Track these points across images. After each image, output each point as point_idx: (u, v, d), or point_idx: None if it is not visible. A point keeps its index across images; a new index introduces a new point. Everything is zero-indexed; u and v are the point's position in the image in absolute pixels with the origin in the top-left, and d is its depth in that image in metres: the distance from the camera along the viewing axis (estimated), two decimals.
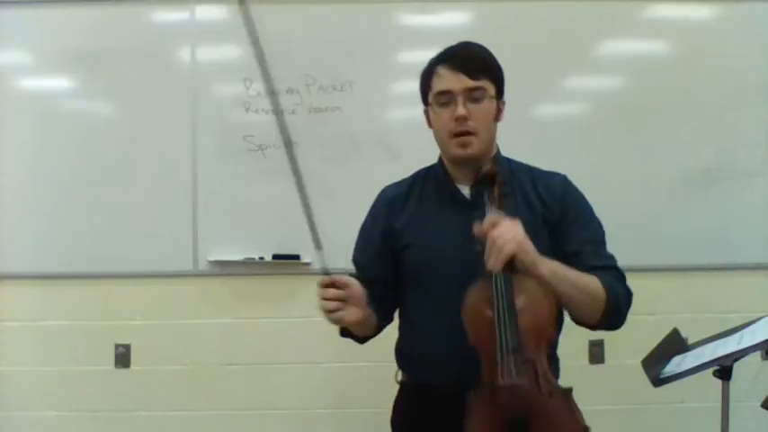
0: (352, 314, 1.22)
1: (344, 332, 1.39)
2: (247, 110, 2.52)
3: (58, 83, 2.55)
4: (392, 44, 2.52)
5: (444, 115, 1.30)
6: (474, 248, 1.20)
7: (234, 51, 2.55)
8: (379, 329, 1.41)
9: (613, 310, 1.23)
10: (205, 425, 2.55)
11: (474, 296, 1.18)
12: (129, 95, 2.52)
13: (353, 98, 2.52)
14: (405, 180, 1.47)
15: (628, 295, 1.28)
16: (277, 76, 2.70)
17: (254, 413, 2.56)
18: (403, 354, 1.41)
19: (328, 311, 1.21)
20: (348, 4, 2.51)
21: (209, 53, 2.53)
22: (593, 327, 1.25)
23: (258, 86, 2.52)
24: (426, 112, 1.39)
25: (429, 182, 1.43)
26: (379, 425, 2.49)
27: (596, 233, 1.34)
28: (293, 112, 2.51)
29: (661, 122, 2.50)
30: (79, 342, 2.54)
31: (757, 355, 2.33)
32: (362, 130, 2.51)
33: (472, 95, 1.29)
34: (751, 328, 1.65)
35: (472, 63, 1.30)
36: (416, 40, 2.45)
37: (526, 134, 2.21)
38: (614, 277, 1.27)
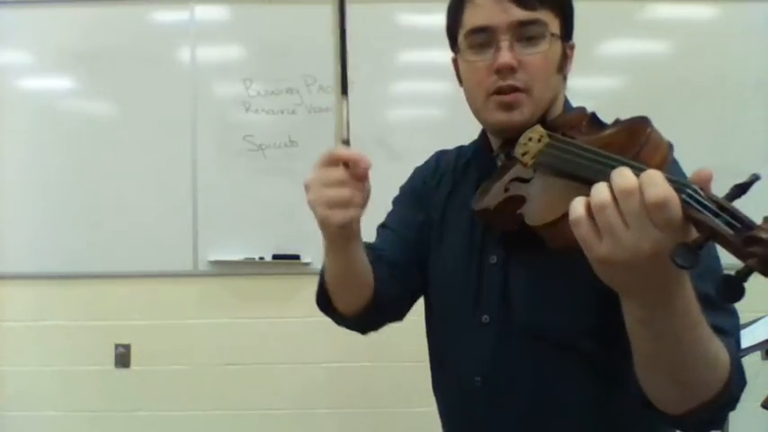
0: (349, 213, 0.79)
1: (323, 299, 0.97)
2: (247, 110, 2.52)
3: (57, 82, 2.55)
4: (392, 44, 2.52)
5: (480, 65, 0.88)
6: (488, 261, 0.93)
7: (234, 51, 2.56)
8: (376, 313, 0.98)
9: (722, 408, 0.71)
10: (205, 425, 2.55)
11: None
12: (129, 95, 2.53)
13: (353, 98, 2.52)
14: (458, 149, 1.08)
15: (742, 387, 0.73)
16: (277, 76, 2.72)
17: (254, 413, 2.56)
18: None
19: (325, 201, 0.78)
20: (348, 4, 2.51)
21: (209, 53, 2.53)
22: (668, 417, 0.72)
23: (258, 86, 2.52)
24: (455, 62, 0.97)
25: (473, 163, 1.03)
26: (379, 425, 2.50)
27: (711, 263, 0.76)
28: (293, 113, 2.52)
29: (660, 122, 2.48)
30: (79, 342, 2.54)
31: (757, 355, 2.32)
32: (362, 130, 2.51)
33: (524, 33, 0.86)
34: (751, 328, 1.65)
35: None
36: (416, 40, 2.45)
37: None
38: (736, 352, 0.73)
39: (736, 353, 0.72)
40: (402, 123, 2.52)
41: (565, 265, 0.79)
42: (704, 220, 0.54)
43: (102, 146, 2.52)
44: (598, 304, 0.80)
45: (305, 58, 2.50)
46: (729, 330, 0.73)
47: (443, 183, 1.04)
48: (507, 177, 0.85)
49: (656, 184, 0.54)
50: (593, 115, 0.88)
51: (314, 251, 2.47)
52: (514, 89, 0.86)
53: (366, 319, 0.99)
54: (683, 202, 0.55)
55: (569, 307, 0.86)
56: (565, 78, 0.95)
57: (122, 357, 2.55)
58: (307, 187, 0.79)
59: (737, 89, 2.54)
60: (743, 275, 0.53)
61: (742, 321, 1.81)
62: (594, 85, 2.59)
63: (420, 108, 2.50)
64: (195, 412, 2.55)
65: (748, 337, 1.60)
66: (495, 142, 0.98)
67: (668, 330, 0.62)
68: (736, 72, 2.54)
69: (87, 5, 2.51)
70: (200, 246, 2.52)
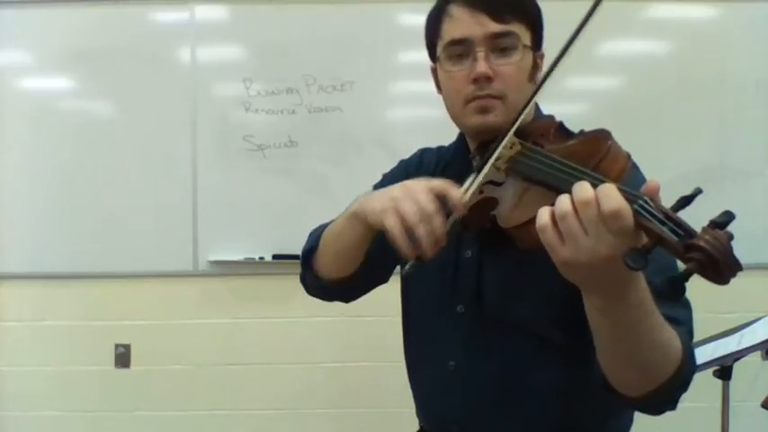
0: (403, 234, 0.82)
1: (307, 263, 1.08)
2: (247, 110, 2.52)
3: (57, 83, 2.55)
4: (392, 44, 2.52)
5: (458, 74, 0.95)
6: (464, 256, 0.99)
7: (234, 51, 2.56)
8: (364, 280, 1.06)
9: (674, 391, 0.78)
10: (205, 425, 2.55)
11: None
12: (129, 95, 2.53)
13: (353, 98, 2.52)
14: (440, 149, 1.15)
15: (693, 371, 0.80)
16: (277, 76, 2.71)
17: (254, 413, 2.56)
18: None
19: (399, 210, 0.80)
20: (348, 5, 2.51)
21: (209, 53, 2.53)
22: (629, 400, 0.80)
23: (258, 86, 2.52)
24: (434, 71, 1.04)
25: (450, 165, 1.10)
26: (379, 425, 2.50)
27: (668, 261, 0.77)
28: (293, 113, 2.52)
29: (661, 122, 2.50)
30: (79, 342, 2.54)
31: (757, 355, 2.32)
32: (362, 130, 2.51)
33: (498, 45, 0.93)
34: (751, 328, 1.65)
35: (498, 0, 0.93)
36: (416, 40, 2.44)
37: None
38: (689, 341, 0.80)
39: (689, 341, 0.80)
40: (402, 123, 2.52)
41: (534, 261, 0.83)
42: (652, 228, 0.62)
43: (103, 146, 2.52)
44: (565, 297, 0.84)
45: (305, 58, 2.50)
46: (683, 320, 0.80)
47: (437, 170, 1.09)
48: (482, 179, 0.91)
49: (610, 196, 0.62)
50: (561, 124, 0.96)
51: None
52: (491, 96, 0.93)
53: (355, 284, 1.05)
54: (635, 211, 0.63)
55: (538, 299, 0.92)
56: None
57: (122, 357, 2.55)
58: (406, 187, 0.82)
59: (737, 89, 2.53)
60: (685, 276, 0.61)
61: (742, 321, 1.81)
62: (594, 85, 2.60)
63: (420, 108, 2.50)
64: (195, 412, 2.55)
65: (748, 337, 1.60)
66: (472, 145, 1.04)
67: (624, 319, 0.70)
68: (736, 72, 2.54)
69: (87, 5, 2.51)
70: (201, 246, 2.52)
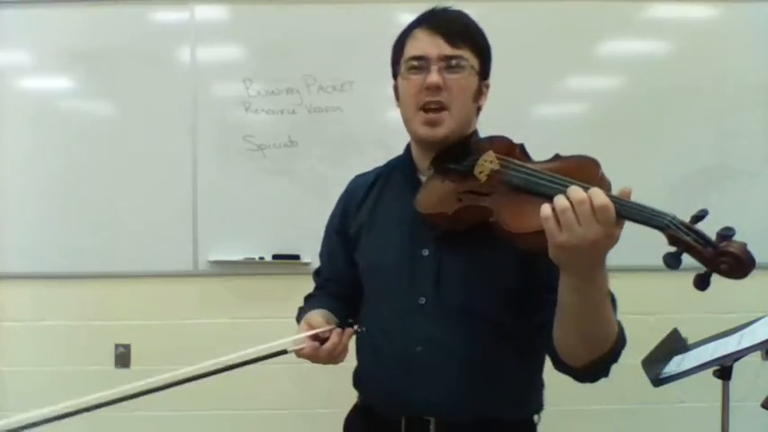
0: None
1: None
2: (247, 110, 2.52)
3: (57, 82, 2.55)
4: (392, 44, 2.51)
5: (415, 81, 1.12)
6: (420, 254, 1.13)
7: (234, 51, 2.56)
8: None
9: (609, 362, 0.98)
10: (204, 425, 2.55)
11: None
12: (129, 95, 2.52)
13: (353, 98, 2.52)
14: (375, 169, 1.34)
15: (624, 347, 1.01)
16: (277, 76, 2.71)
17: (254, 413, 2.56)
18: (356, 370, 1.35)
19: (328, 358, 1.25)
20: (348, 4, 2.51)
21: (209, 53, 2.53)
22: (573, 370, 0.99)
23: (258, 86, 2.52)
24: (395, 88, 1.22)
25: (396, 172, 1.28)
26: None
27: None
28: (293, 113, 2.52)
29: (661, 122, 2.50)
30: (79, 342, 2.54)
31: (757, 355, 2.32)
32: (362, 130, 2.51)
33: (449, 64, 1.11)
34: (751, 328, 1.65)
35: (454, 27, 1.13)
36: None
37: (526, 134, 2.22)
38: (620, 324, 1.00)
39: (621, 324, 0.99)
40: (402, 123, 2.51)
41: (489, 257, 1.06)
42: (681, 238, 0.79)
43: (102, 146, 2.52)
44: (513, 290, 1.06)
45: (305, 58, 2.50)
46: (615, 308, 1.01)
47: (371, 194, 1.27)
48: (457, 188, 1.05)
49: (599, 195, 0.81)
50: (522, 146, 1.11)
51: (314, 251, 2.45)
52: (440, 108, 1.10)
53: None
54: (665, 226, 0.81)
55: (491, 290, 1.08)
56: (478, 111, 1.19)
57: (122, 357, 2.55)
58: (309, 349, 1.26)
59: (737, 89, 2.53)
60: (710, 274, 0.79)
61: (742, 321, 1.80)
62: (594, 85, 2.59)
63: None
64: (195, 412, 2.55)
65: (748, 337, 1.60)
66: (420, 157, 1.22)
67: (590, 296, 0.88)
68: (736, 72, 2.54)
69: (87, 5, 2.51)
70: (201, 246, 2.52)
